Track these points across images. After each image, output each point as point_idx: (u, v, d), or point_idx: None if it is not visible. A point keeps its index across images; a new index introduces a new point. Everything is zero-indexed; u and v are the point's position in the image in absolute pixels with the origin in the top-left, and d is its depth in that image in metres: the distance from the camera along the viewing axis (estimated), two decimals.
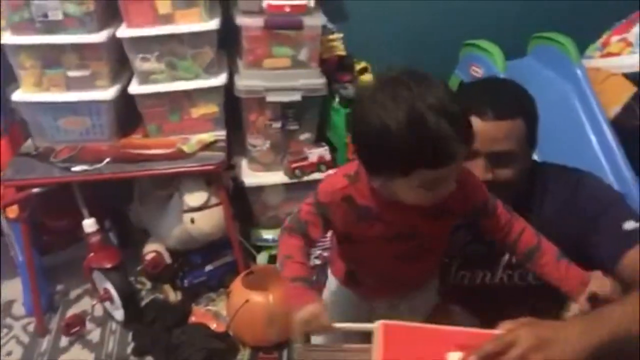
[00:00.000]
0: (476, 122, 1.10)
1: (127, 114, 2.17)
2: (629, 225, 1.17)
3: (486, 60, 2.29)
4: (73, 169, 2.00)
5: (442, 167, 0.94)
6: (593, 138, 2.19)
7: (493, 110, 1.18)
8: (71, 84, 2.03)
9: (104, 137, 2.14)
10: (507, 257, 1.31)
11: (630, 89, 2.24)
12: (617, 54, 2.34)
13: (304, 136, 2.29)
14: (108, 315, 2.25)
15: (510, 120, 1.20)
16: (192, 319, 2.16)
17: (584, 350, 0.87)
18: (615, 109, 2.24)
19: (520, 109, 1.22)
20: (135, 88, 2.07)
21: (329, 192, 1.11)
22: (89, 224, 2.09)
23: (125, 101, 2.12)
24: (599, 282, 1.07)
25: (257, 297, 1.98)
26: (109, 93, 2.05)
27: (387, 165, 0.97)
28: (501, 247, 1.21)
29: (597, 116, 2.19)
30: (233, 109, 2.26)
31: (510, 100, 1.24)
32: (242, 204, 2.34)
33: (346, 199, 1.09)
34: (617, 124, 2.19)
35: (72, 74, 2.01)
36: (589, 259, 1.19)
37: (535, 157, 2.00)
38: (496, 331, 0.94)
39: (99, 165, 2.01)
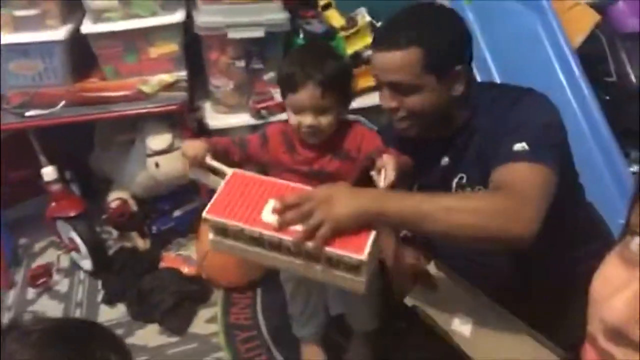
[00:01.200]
0: (375, 52, 1.23)
1: (82, 56, 2.08)
2: (519, 146, 1.13)
3: None
4: (27, 114, 1.91)
5: (294, 92, 1.31)
6: (558, 68, 2.20)
7: (385, 39, 1.19)
8: (20, 25, 1.93)
9: (57, 82, 2.05)
10: (457, 178, 1.31)
11: (594, 18, 2.24)
12: None
13: (269, 75, 2.21)
14: (75, 265, 2.20)
15: (401, 50, 1.17)
16: (163, 264, 2.14)
17: (358, 210, 1.05)
18: (580, 38, 2.24)
19: (416, 38, 1.16)
20: (88, 27, 1.97)
21: (274, 126, 1.48)
22: (48, 172, 2.02)
23: (79, 42, 2.02)
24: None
25: None
26: (60, 33, 1.95)
27: (281, 91, 1.38)
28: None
29: (562, 46, 2.19)
30: (193, 50, 2.18)
31: (406, 28, 1.18)
32: None
33: (282, 132, 1.43)
34: (582, 52, 2.20)
35: (20, 13, 1.90)
36: None
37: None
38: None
39: (54, 109, 1.92)
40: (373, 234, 1.08)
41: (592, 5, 2.25)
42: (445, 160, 1.34)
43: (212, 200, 1.18)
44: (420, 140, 1.32)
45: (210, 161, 1.32)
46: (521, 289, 1.31)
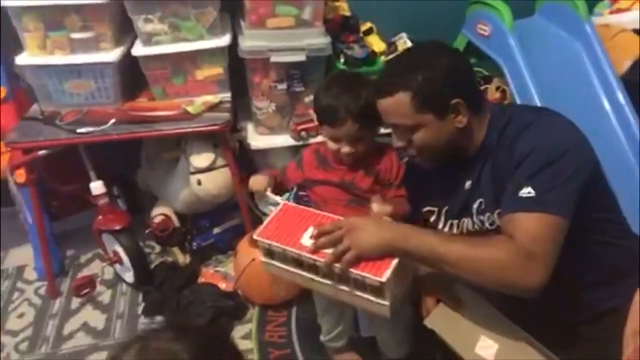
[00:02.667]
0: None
1: (132, 77, 2.17)
2: (525, 192, 1.15)
3: (494, 18, 2.24)
4: (79, 130, 2.00)
5: (332, 127, 1.44)
6: (603, 95, 2.16)
7: (378, 88, 1.31)
8: (75, 47, 2.04)
9: (109, 101, 2.15)
10: (477, 203, 1.33)
11: None
12: (627, 10, 2.30)
13: (309, 98, 2.26)
14: (118, 277, 2.28)
15: (390, 96, 1.26)
16: (201, 280, 2.18)
17: (381, 241, 1.18)
18: (625, 65, 2.21)
19: (400, 83, 1.24)
20: (138, 50, 2.07)
21: (307, 149, 1.63)
22: (97, 186, 2.11)
23: (130, 64, 2.11)
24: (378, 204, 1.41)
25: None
26: (112, 55, 2.05)
27: (318, 120, 1.52)
28: None
29: (607, 74, 2.15)
30: (238, 73, 2.25)
31: (392, 75, 1.28)
32: (249, 168, 2.34)
33: (315, 150, 1.59)
34: (627, 80, 2.16)
35: (75, 35, 2.01)
36: None
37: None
38: None
39: (104, 127, 2.01)
40: (396, 260, 1.18)
41: (637, 32, 2.22)
42: (468, 183, 1.36)
43: (263, 226, 1.36)
44: (445, 165, 1.36)
45: (269, 194, 1.53)
46: (554, 317, 1.29)
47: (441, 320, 1.29)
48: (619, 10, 2.33)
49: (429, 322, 1.29)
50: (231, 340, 0.90)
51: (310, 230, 1.29)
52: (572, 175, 1.17)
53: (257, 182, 1.57)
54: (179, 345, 0.78)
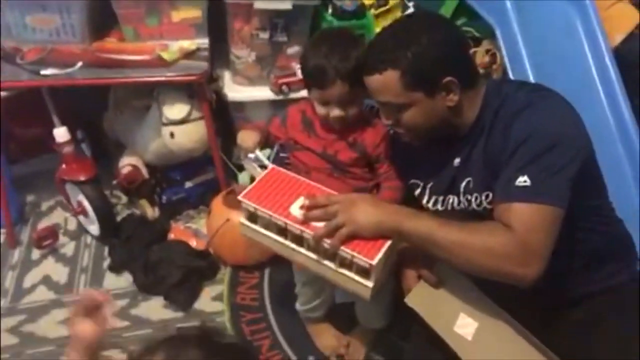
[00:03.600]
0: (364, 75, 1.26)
1: (101, 14, 2.00)
2: (521, 180, 1.12)
3: None
4: (43, 72, 1.85)
5: (322, 88, 1.34)
6: (594, 69, 2.11)
7: (367, 64, 1.24)
8: None
9: (75, 39, 1.98)
10: (465, 182, 1.29)
11: (635, 18, 2.15)
12: None
13: (293, 49, 2.14)
14: (82, 229, 2.17)
15: (378, 74, 1.21)
16: (171, 236, 2.10)
17: (377, 221, 1.16)
18: (619, 38, 2.15)
19: (390, 61, 1.18)
20: None
21: (293, 106, 1.52)
22: (61, 133, 1.96)
23: (100, 0, 1.93)
24: None
25: (238, 217, 1.90)
26: None
27: (304, 82, 1.43)
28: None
29: (600, 47, 2.09)
30: (216, 17, 2.09)
31: (382, 51, 1.21)
32: (224, 120, 2.23)
33: (301, 111, 1.48)
34: (619, 52, 2.12)
35: None
36: None
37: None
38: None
39: (71, 70, 1.86)
40: (388, 243, 1.17)
41: (635, 5, 2.15)
42: (457, 161, 1.31)
43: (249, 187, 1.31)
44: (434, 141, 1.31)
45: (258, 153, 1.45)
46: (542, 304, 1.28)
47: (421, 298, 1.25)
48: None
49: (409, 301, 1.25)
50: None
51: (301, 200, 1.25)
52: (567, 164, 1.14)
53: (248, 137, 1.45)
54: None
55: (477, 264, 1.12)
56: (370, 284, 1.19)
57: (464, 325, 1.21)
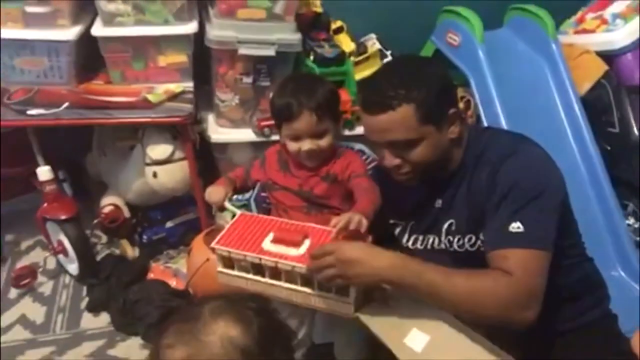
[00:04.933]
0: (366, 117, 1.25)
1: (89, 57, 2.05)
2: (514, 226, 1.16)
3: (464, 29, 2.25)
4: (29, 112, 1.87)
5: (290, 122, 1.39)
6: (563, 115, 2.21)
7: (374, 104, 1.22)
8: (30, 21, 1.89)
9: (62, 81, 2.02)
10: (447, 224, 1.33)
11: (602, 68, 2.26)
12: (592, 31, 2.35)
13: None
14: (61, 268, 2.16)
15: (392, 110, 1.19)
16: (151, 275, 2.09)
17: (375, 277, 1.15)
18: (586, 86, 2.26)
19: (404, 96, 1.19)
20: (98, 30, 1.95)
21: (271, 147, 1.57)
22: (44, 172, 1.98)
23: (87, 44, 1.99)
24: (356, 219, 1.26)
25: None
26: (70, 33, 1.92)
27: (274, 121, 1.49)
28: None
29: (569, 94, 2.21)
30: (201, 61, 2.16)
31: (392, 90, 1.20)
32: (207, 161, 2.26)
33: (278, 151, 1.53)
34: (587, 101, 2.22)
35: (31, 9, 1.87)
36: None
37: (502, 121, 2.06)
38: (324, 227, 1.30)
39: (57, 110, 1.89)
40: None
41: (600, 55, 2.27)
42: (439, 202, 1.35)
43: (220, 235, 1.33)
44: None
45: (227, 205, 1.50)
46: (518, 337, 1.31)
47: (373, 313, 1.25)
48: (584, 31, 2.38)
49: (360, 313, 1.24)
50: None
51: (272, 235, 1.29)
52: (554, 209, 1.20)
53: (215, 194, 1.50)
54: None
55: (483, 311, 1.13)
56: (350, 299, 1.21)
57: (415, 339, 1.20)
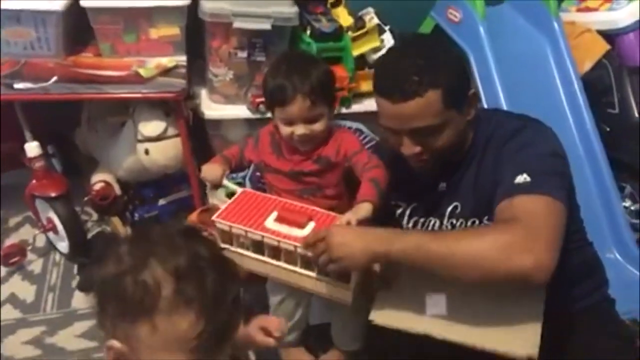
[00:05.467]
0: (386, 104, 1.17)
1: (77, 29, 1.98)
2: (520, 178, 1.10)
3: (465, 5, 2.19)
4: (16, 86, 1.80)
5: (283, 106, 1.35)
6: (563, 94, 2.19)
7: (399, 91, 1.15)
8: None
9: (49, 53, 1.94)
10: (451, 207, 1.30)
11: (603, 47, 2.23)
12: (595, 9, 2.31)
13: None
14: (51, 246, 2.12)
15: (419, 97, 1.13)
16: None
17: (367, 255, 1.11)
18: (587, 66, 2.23)
19: (430, 81, 1.13)
20: (88, 0, 1.87)
21: (265, 128, 1.52)
22: (33, 148, 1.92)
23: (76, 15, 1.91)
24: (363, 211, 1.26)
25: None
26: (57, 3, 1.84)
27: (267, 104, 1.45)
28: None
29: (569, 73, 2.18)
30: (194, 34, 2.09)
31: (417, 75, 1.14)
32: (200, 138, 2.21)
33: (271, 133, 1.49)
34: (587, 80, 2.19)
35: None
36: None
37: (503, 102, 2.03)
38: (328, 212, 1.31)
39: (45, 84, 1.82)
40: None
41: (602, 34, 2.23)
42: (442, 185, 1.32)
43: (221, 210, 1.32)
44: None
45: (226, 182, 1.48)
46: None
47: (384, 309, 1.20)
48: (587, 9, 2.33)
49: (375, 318, 1.19)
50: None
51: (275, 214, 1.28)
52: (565, 171, 1.16)
53: (212, 171, 1.47)
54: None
55: (487, 265, 1.02)
56: (350, 286, 1.20)
57: (434, 305, 1.17)
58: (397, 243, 1.08)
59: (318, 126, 1.38)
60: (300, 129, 1.37)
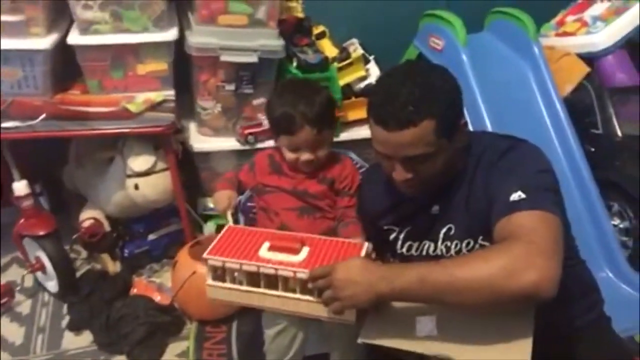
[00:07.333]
0: (381, 131, 1.17)
1: (65, 67, 1.99)
2: (515, 196, 1.10)
3: (447, 32, 2.24)
4: (3, 124, 1.80)
5: (291, 135, 1.40)
6: (546, 115, 2.22)
7: (394, 120, 1.13)
8: (3, 30, 1.82)
9: (37, 91, 1.95)
10: (445, 229, 1.30)
11: (583, 70, 2.28)
12: (573, 34, 2.37)
13: (258, 100, 2.16)
14: (39, 286, 2.08)
15: (414, 126, 1.12)
16: (134, 291, 2.03)
17: (371, 297, 1.10)
18: (568, 88, 2.27)
19: (425, 111, 1.12)
20: (74, 38, 1.89)
21: (261, 153, 1.56)
22: (21, 187, 1.91)
23: (63, 53, 1.93)
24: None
25: (204, 269, 1.87)
26: (44, 42, 1.86)
27: (273, 130, 1.48)
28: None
29: (551, 95, 2.21)
30: (182, 68, 2.11)
31: (413, 105, 1.12)
32: (189, 171, 2.21)
33: (269, 156, 1.52)
34: (570, 102, 2.23)
35: (4, 18, 1.80)
36: None
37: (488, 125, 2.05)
38: (320, 236, 1.30)
39: (32, 122, 1.82)
40: None
41: (582, 57, 2.28)
42: (435, 208, 1.32)
43: (211, 247, 1.27)
44: None
45: (228, 214, 1.46)
46: None
47: (372, 329, 1.19)
48: (565, 34, 2.39)
49: (363, 337, 1.18)
50: None
51: (267, 244, 1.26)
52: (557, 189, 1.16)
53: (228, 197, 1.47)
54: None
55: (494, 287, 1.00)
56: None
57: (423, 326, 1.15)
58: (398, 280, 1.07)
59: (322, 152, 1.44)
60: (305, 155, 1.42)
